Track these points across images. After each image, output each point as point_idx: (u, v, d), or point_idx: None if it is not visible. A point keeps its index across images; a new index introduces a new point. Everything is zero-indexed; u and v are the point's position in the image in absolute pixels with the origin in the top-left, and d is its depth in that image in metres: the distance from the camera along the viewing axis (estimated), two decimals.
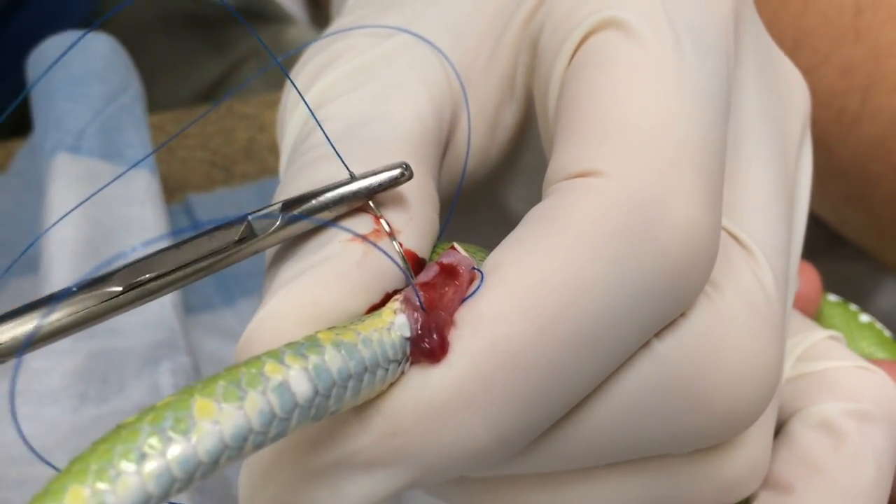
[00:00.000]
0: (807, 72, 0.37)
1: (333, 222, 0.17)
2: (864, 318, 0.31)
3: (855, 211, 0.38)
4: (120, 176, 0.27)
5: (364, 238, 0.17)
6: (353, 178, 0.17)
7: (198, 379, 0.16)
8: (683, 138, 0.18)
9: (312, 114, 0.19)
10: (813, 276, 0.31)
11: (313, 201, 0.17)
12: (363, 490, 0.17)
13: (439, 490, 0.20)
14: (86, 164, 0.28)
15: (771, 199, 0.21)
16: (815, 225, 0.41)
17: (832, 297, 0.32)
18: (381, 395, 0.17)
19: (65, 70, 0.30)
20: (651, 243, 0.17)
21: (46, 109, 0.30)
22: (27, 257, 0.27)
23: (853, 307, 0.32)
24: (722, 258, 0.19)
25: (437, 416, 0.16)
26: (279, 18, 0.66)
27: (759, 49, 0.23)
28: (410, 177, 0.17)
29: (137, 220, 0.28)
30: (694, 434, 0.19)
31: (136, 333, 0.26)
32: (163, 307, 0.27)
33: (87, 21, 0.52)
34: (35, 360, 0.25)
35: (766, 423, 0.21)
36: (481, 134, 0.22)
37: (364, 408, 0.17)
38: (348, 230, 0.17)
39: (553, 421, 0.18)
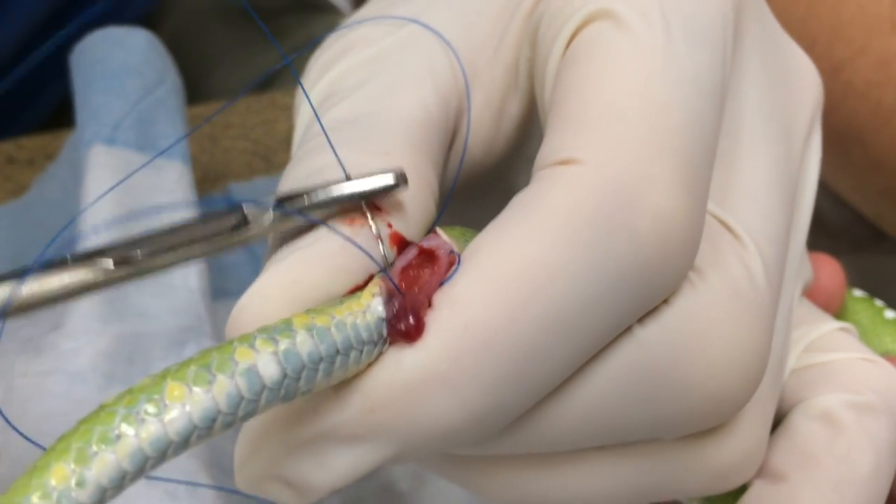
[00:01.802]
0: (843, 63, 0.36)
1: (324, 222, 0.18)
2: (890, 314, 0.31)
3: (892, 204, 0.37)
4: (149, 162, 0.28)
5: (350, 222, 0.18)
6: (348, 180, 0.18)
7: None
8: (666, 126, 0.18)
9: (313, 109, 0.20)
10: (836, 271, 0.30)
11: (305, 199, 0.17)
12: (346, 462, 0.18)
13: (435, 467, 0.21)
14: (121, 154, 0.30)
15: (768, 188, 0.21)
16: (858, 219, 0.41)
17: (858, 293, 0.31)
18: (360, 373, 0.17)
19: (103, 64, 0.31)
20: (626, 229, 0.17)
21: (85, 102, 0.31)
22: (66, 243, 0.29)
23: (879, 303, 0.31)
24: (709, 245, 0.19)
25: (411, 393, 0.17)
26: (333, 9, 0.67)
27: (764, 39, 0.23)
28: (406, 184, 0.18)
29: (169, 209, 0.29)
30: (678, 419, 0.19)
31: (163, 317, 0.28)
32: (190, 293, 0.29)
33: (146, 17, 0.53)
34: (65, 341, 0.27)
35: (762, 411, 0.21)
36: (488, 123, 0.23)
37: (344, 385, 0.17)
38: (337, 231, 0.18)
39: (531, 402, 0.18)
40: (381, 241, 0.18)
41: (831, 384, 0.23)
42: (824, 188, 0.40)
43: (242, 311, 0.17)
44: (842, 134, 0.37)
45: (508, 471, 0.20)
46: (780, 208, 0.21)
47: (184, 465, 0.25)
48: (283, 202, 0.17)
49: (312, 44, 0.24)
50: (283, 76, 0.65)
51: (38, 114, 0.50)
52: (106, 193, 0.26)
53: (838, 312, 0.31)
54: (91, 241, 0.26)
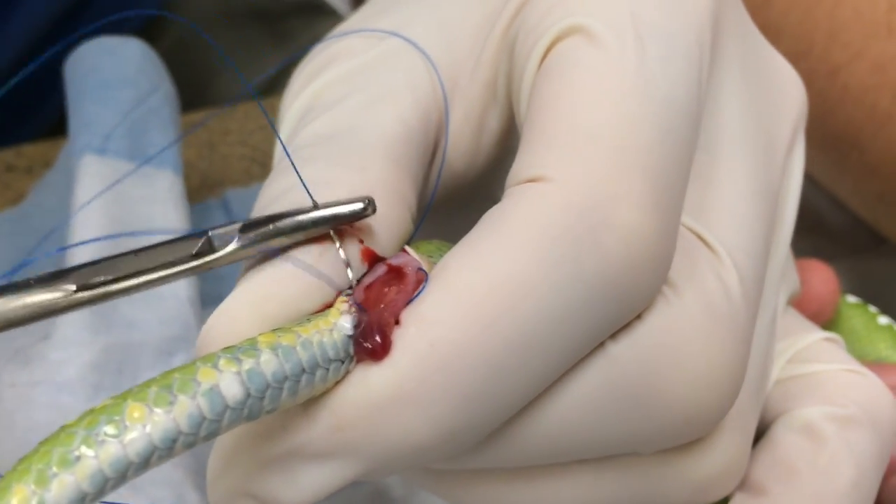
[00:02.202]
0: (839, 67, 0.36)
1: (287, 251, 0.18)
2: (883, 320, 0.31)
3: (889, 208, 0.37)
4: (135, 170, 0.28)
5: (320, 241, 0.18)
6: (315, 207, 0.18)
7: None
8: (635, 143, 0.18)
9: (277, 134, 0.20)
10: (829, 277, 0.30)
11: (271, 227, 0.17)
12: (315, 479, 0.18)
13: (415, 479, 0.21)
14: (112, 164, 0.30)
15: (746, 201, 0.21)
16: (858, 223, 0.41)
17: (851, 299, 0.31)
18: (328, 391, 0.17)
19: (96, 74, 0.32)
20: (594, 247, 0.17)
21: (78, 112, 0.31)
22: (57, 255, 0.29)
23: (872, 309, 0.31)
24: (684, 260, 0.19)
25: (378, 412, 0.17)
26: (337, 12, 0.67)
27: (745, 51, 0.22)
28: (373, 212, 0.18)
29: (160, 219, 0.30)
30: (654, 434, 0.19)
31: (151, 327, 0.28)
32: (179, 302, 0.29)
33: (150, 23, 0.54)
34: (53, 352, 0.27)
35: (742, 424, 0.21)
36: (468, 138, 0.23)
37: (313, 403, 0.18)
38: (301, 262, 0.18)
39: (503, 419, 0.18)
40: (349, 263, 0.18)
41: (814, 396, 0.23)
42: (824, 191, 0.40)
43: (210, 330, 0.17)
44: (839, 138, 0.37)
45: (488, 484, 0.20)
46: (758, 221, 0.21)
47: (168, 474, 0.25)
48: (249, 229, 0.17)
49: (306, 50, 0.24)
50: (282, 82, 0.65)
51: (42, 122, 0.51)
52: (90, 201, 0.27)
53: (832, 319, 0.31)
54: (76, 256, 0.26)
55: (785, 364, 0.24)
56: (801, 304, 0.28)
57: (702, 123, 0.20)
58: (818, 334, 0.24)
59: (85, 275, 0.16)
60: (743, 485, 0.22)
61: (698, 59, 0.20)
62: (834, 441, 0.22)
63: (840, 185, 0.39)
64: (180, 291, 0.29)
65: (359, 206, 0.18)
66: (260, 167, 0.42)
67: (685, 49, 0.20)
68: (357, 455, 0.17)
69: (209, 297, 0.32)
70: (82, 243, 0.25)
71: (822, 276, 0.30)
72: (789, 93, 0.23)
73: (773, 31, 0.34)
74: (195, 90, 0.44)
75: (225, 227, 0.17)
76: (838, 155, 0.37)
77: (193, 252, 0.17)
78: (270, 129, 0.21)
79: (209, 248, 0.17)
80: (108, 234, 0.28)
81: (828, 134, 0.37)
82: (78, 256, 0.27)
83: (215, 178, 0.41)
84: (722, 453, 0.20)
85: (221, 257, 0.17)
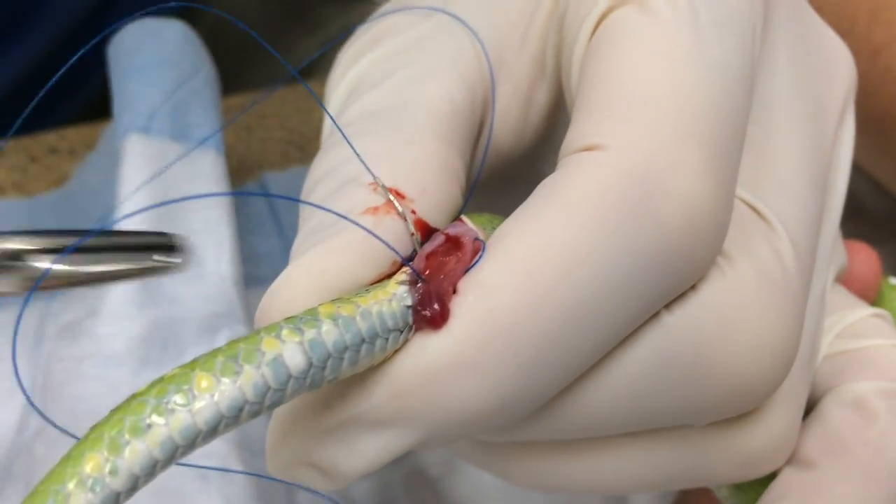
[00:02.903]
0: (882, 47, 0.36)
1: (347, 217, 0.18)
2: None
3: None
4: (185, 155, 0.28)
5: (373, 211, 0.18)
6: (375, 180, 0.18)
7: None
8: (692, 111, 0.18)
9: (333, 120, 0.20)
10: (871, 259, 0.30)
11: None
12: (374, 447, 0.18)
13: (464, 453, 0.21)
14: (156, 143, 0.30)
15: (799, 173, 0.21)
16: None
17: (894, 280, 0.31)
18: (387, 360, 0.18)
19: (139, 56, 0.32)
20: (651, 215, 0.17)
21: (121, 93, 0.32)
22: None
23: None
24: (738, 230, 0.19)
25: (436, 379, 0.17)
26: None
27: (795, 21, 0.22)
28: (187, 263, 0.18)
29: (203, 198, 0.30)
30: (707, 405, 0.19)
31: (195, 304, 0.28)
32: (222, 280, 0.29)
33: (183, 10, 0.54)
34: (101, 327, 0.28)
35: (794, 398, 0.21)
36: (516, 113, 0.23)
37: (371, 371, 0.18)
38: (357, 233, 0.18)
39: (557, 388, 0.18)
40: (413, 231, 0.18)
41: (864, 371, 0.22)
42: (865, 175, 0.40)
43: (271, 299, 0.17)
44: (881, 119, 0.36)
45: (538, 457, 0.21)
46: (811, 193, 0.21)
47: (215, 447, 0.25)
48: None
49: (346, 34, 0.24)
50: (319, 66, 0.66)
51: (82, 104, 0.51)
52: (142, 186, 0.27)
53: (874, 301, 0.30)
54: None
55: (833, 339, 0.23)
56: (844, 285, 0.27)
57: (754, 93, 0.20)
58: (867, 310, 0.24)
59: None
60: (792, 459, 0.22)
61: (751, 27, 0.20)
62: (884, 416, 0.21)
63: (881, 168, 0.38)
64: (223, 269, 0.29)
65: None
66: (297, 150, 0.42)
67: (738, 17, 0.19)
68: (415, 422, 0.18)
69: (250, 278, 0.32)
70: (129, 215, 0.25)
71: (865, 257, 0.30)
72: (839, 64, 0.23)
73: (815, 10, 0.34)
74: (229, 76, 0.44)
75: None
76: (880, 137, 0.37)
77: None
78: (307, 113, 0.21)
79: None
80: (153, 212, 0.28)
81: (869, 115, 0.36)
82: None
83: (253, 160, 0.42)
84: (774, 426, 0.20)
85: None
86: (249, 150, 0.42)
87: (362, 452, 0.18)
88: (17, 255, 0.17)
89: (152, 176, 0.27)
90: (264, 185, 0.40)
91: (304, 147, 0.43)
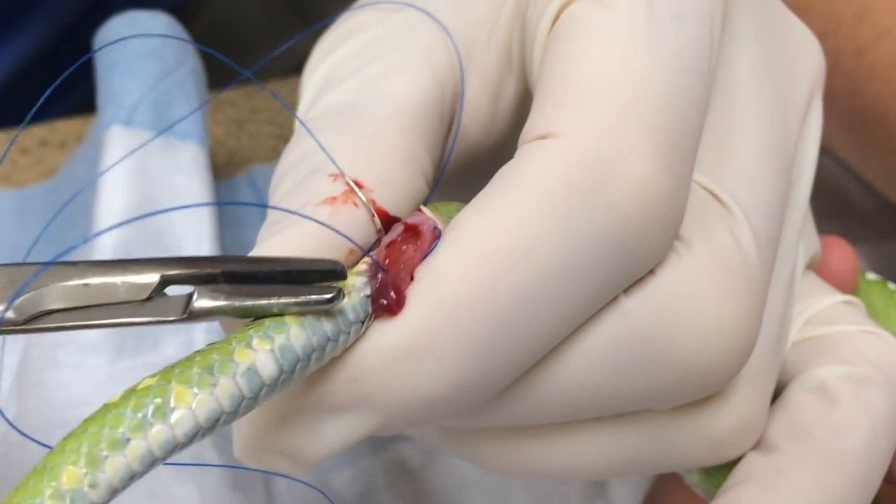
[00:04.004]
0: (869, 45, 0.36)
1: (291, 211, 0.18)
2: None
3: None
4: (157, 136, 0.28)
5: (330, 201, 0.18)
6: (341, 172, 0.18)
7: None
8: (644, 99, 0.18)
9: (294, 115, 0.21)
10: (848, 254, 0.30)
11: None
12: (336, 432, 0.18)
13: (436, 440, 0.21)
14: (138, 135, 0.30)
15: (760, 161, 0.21)
16: (886, 206, 0.40)
17: (871, 276, 0.31)
18: (347, 349, 0.18)
19: (123, 48, 0.32)
20: (603, 201, 0.18)
21: (106, 85, 0.32)
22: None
23: (892, 286, 0.31)
24: (697, 216, 0.19)
25: (393, 363, 0.18)
26: None
27: (759, 11, 0.22)
28: (340, 299, 0.17)
29: (183, 189, 0.30)
30: (669, 389, 0.19)
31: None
32: None
33: (181, 6, 0.54)
34: None
35: (759, 382, 0.21)
36: (485, 106, 0.23)
37: (331, 360, 0.18)
38: (313, 223, 0.18)
39: (516, 373, 0.19)
40: (373, 215, 0.19)
41: (829, 356, 0.23)
42: (851, 175, 0.40)
43: None
44: (866, 117, 0.36)
45: (507, 442, 0.21)
46: (773, 181, 0.21)
47: None
48: (234, 279, 0.16)
49: (325, 22, 0.25)
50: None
51: (75, 100, 0.51)
52: (113, 166, 0.27)
53: (850, 295, 0.30)
54: (103, 240, 0.26)
55: (802, 326, 0.24)
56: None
57: (715, 83, 0.20)
58: (837, 297, 0.24)
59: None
60: (757, 443, 0.22)
61: (709, 18, 0.20)
62: (847, 400, 0.21)
63: (867, 166, 0.38)
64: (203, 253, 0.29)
65: (328, 295, 0.17)
66: (286, 144, 0.43)
67: (696, 7, 0.20)
68: (374, 406, 0.18)
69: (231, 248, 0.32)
70: (107, 230, 0.25)
71: (842, 253, 0.30)
72: (806, 55, 0.23)
73: (802, 10, 0.34)
74: (227, 70, 0.44)
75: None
76: (865, 135, 0.37)
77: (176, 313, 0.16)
78: (296, 108, 0.22)
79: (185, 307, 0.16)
80: (134, 202, 0.28)
81: (855, 113, 0.36)
82: (104, 240, 0.28)
83: (243, 155, 0.42)
84: (737, 409, 0.20)
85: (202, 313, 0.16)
86: (239, 144, 0.43)
87: (324, 437, 0.18)
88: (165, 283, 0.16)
89: (125, 155, 0.27)
90: (253, 179, 0.40)
91: None
